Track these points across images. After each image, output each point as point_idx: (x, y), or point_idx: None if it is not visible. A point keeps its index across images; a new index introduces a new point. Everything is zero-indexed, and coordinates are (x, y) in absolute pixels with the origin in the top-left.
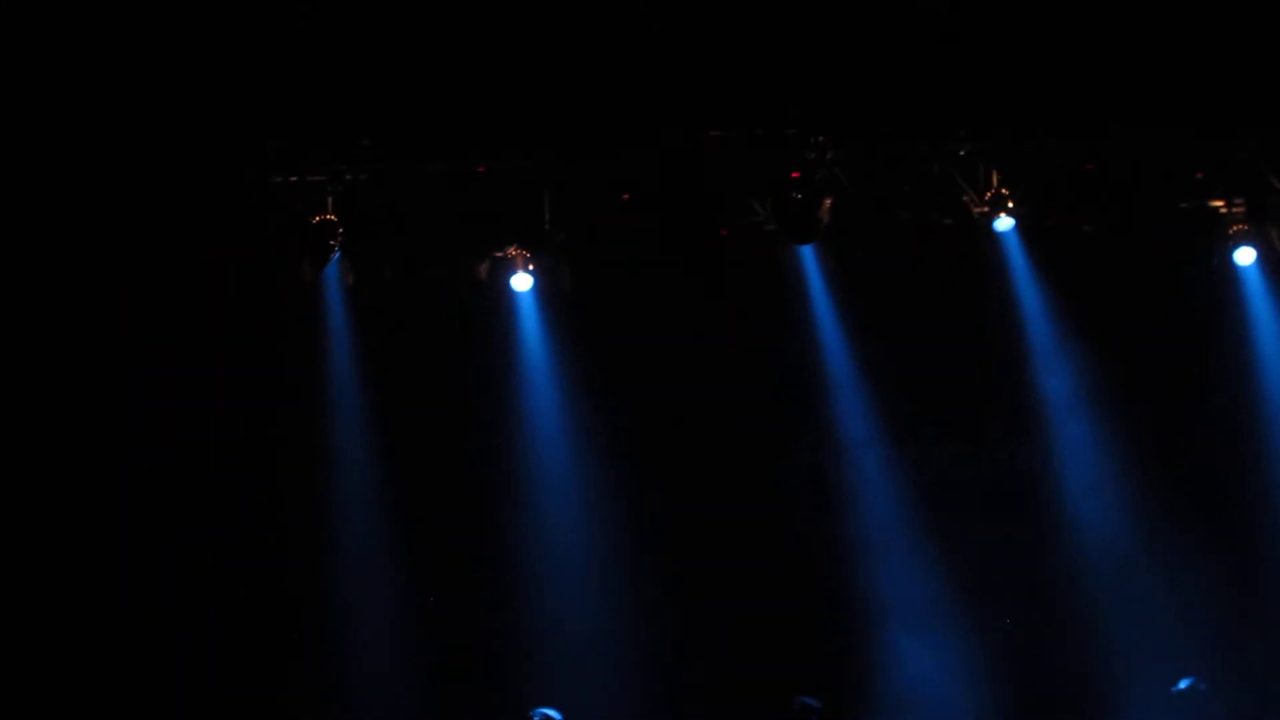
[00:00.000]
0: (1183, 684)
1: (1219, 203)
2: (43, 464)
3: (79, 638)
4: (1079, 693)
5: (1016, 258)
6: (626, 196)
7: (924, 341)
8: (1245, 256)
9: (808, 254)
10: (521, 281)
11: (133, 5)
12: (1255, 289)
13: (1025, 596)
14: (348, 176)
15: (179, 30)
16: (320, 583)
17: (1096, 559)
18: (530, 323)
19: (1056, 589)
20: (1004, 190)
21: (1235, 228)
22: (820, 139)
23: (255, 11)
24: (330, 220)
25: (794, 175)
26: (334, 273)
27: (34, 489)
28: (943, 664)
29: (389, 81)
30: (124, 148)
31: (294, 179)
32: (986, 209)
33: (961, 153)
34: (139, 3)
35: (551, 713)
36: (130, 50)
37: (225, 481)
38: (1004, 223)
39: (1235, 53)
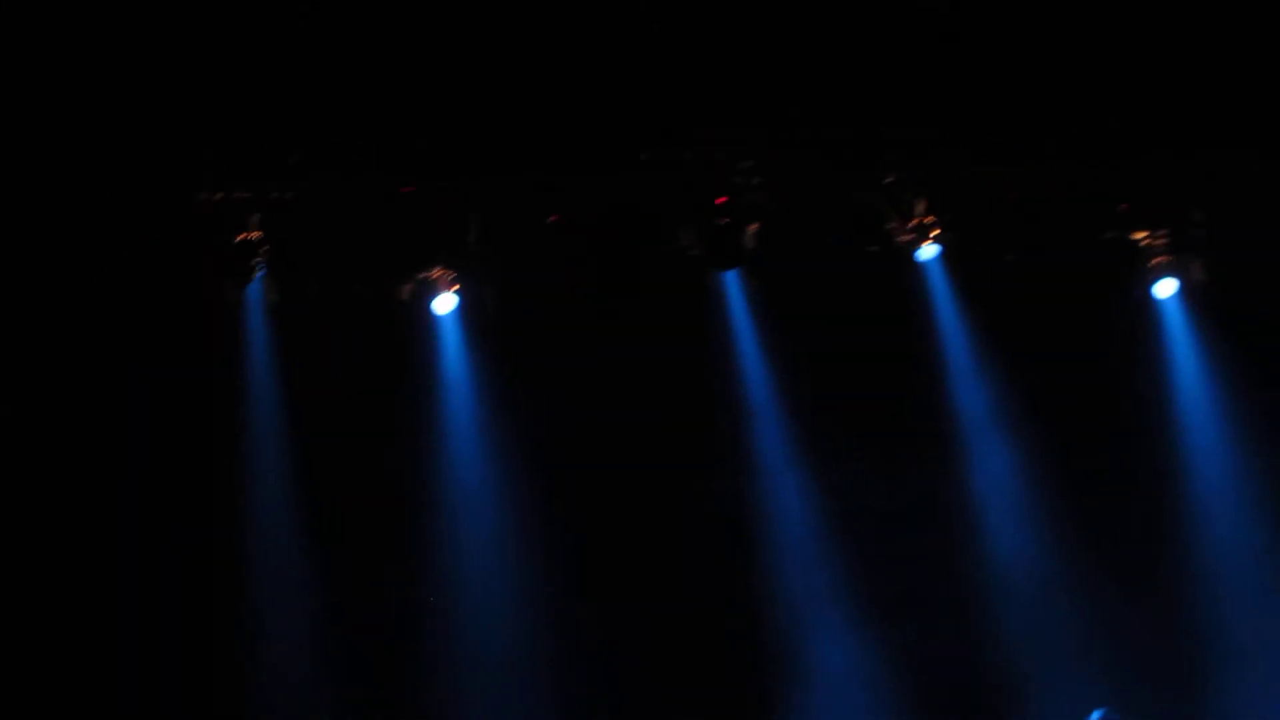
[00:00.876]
0: (1095, 716)
1: (1141, 234)
2: None
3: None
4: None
5: (940, 285)
6: (554, 218)
7: (846, 368)
8: (1166, 289)
9: (732, 279)
10: (445, 303)
11: (62, 15)
12: (1175, 321)
13: (940, 619)
14: (273, 194)
15: (106, 41)
16: (237, 596)
17: (1012, 583)
18: (452, 344)
19: (971, 612)
20: (928, 218)
21: (1157, 260)
22: (747, 164)
23: (185, 23)
24: (254, 238)
25: (720, 200)
26: (257, 290)
27: None
28: (857, 685)
29: (316, 97)
30: (48, 156)
31: (219, 195)
32: (911, 236)
33: (887, 180)
34: (68, 13)
35: None
36: (55, 59)
37: (146, 497)
38: (928, 250)
39: (1160, 84)
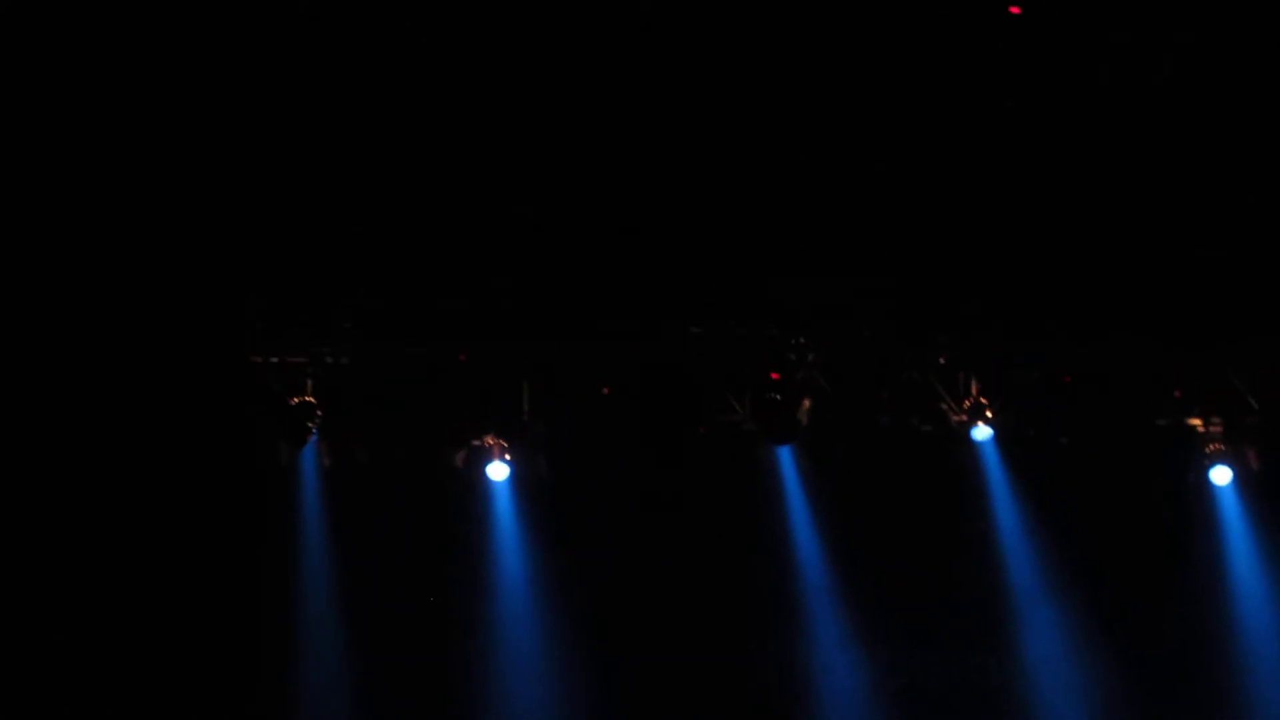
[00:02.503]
0: None
1: (1196, 421)
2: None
3: None
4: None
5: (993, 467)
6: (606, 390)
7: (899, 546)
8: (1221, 476)
9: (785, 455)
10: (498, 470)
11: (119, 181)
12: (1230, 508)
13: None
14: (328, 359)
15: (164, 207)
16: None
17: None
18: (505, 512)
19: None
20: (982, 399)
21: (1212, 446)
22: (801, 340)
23: (241, 192)
24: (309, 402)
25: (774, 375)
26: (311, 454)
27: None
28: None
29: (372, 265)
30: (111, 321)
31: (274, 359)
32: (965, 417)
33: (941, 360)
34: (126, 179)
35: None
36: (119, 226)
37: (201, 659)
38: (982, 431)
39: (1216, 272)
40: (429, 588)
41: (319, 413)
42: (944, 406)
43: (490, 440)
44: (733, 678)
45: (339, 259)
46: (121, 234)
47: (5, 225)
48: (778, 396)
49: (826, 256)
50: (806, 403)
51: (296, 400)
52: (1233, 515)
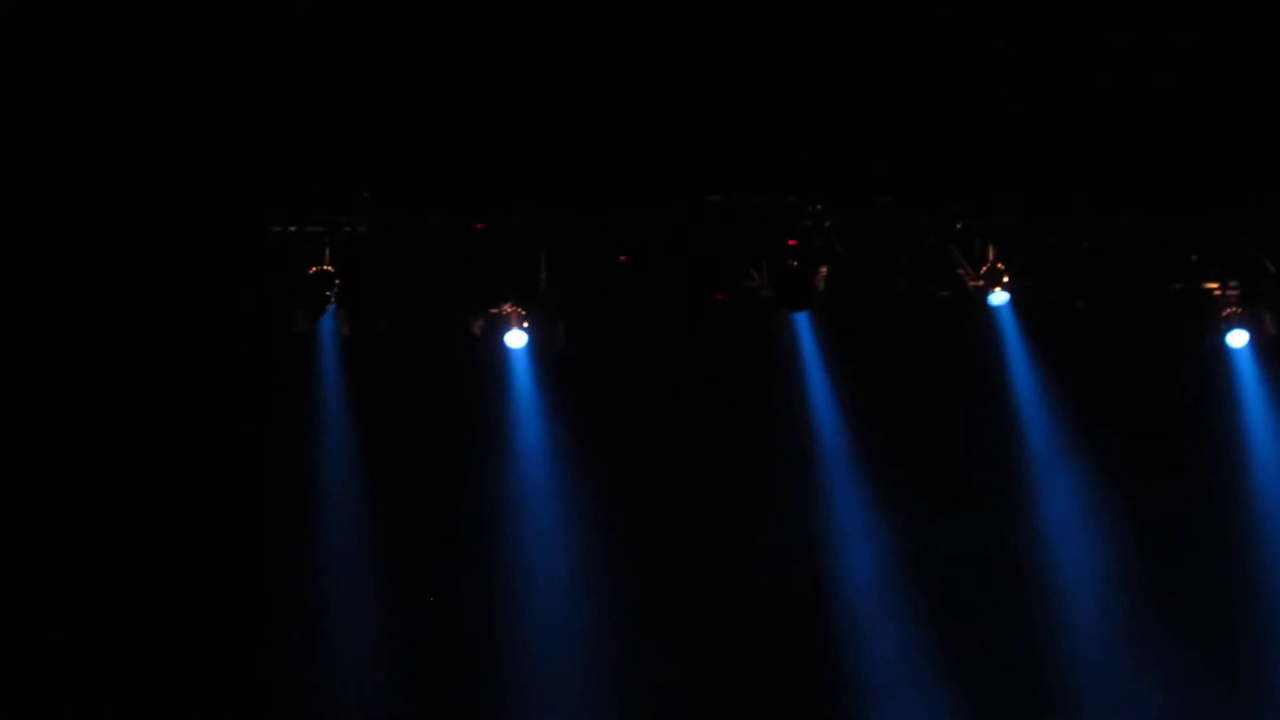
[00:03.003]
0: None
1: (1213, 285)
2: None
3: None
4: None
5: (1010, 332)
6: (624, 258)
7: (915, 412)
8: (1238, 339)
9: (802, 321)
10: (515, 338)
11: (134, 50)
12: (1247, 371)
13: (1006, 669)
14: (346, 228)
15: (181, 75)
16: (310, 614)
17: (1081, 637)
18: (523, 379)
19: (1040, 663)
20: (999, 265)
21: (1229, 310)
22: (818, 207)
23: (256, 61)
24: (327, 271)
25: (791, 242)
26: (329, 323)
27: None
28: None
29: (389, 134)
30: (126, 187)
31: (292, 229)
32: (982, 282)
33: (959, 226)
34: (140, 48)
35: None
36: (132, 93)
37: (219, 526)
38: (998, 297)
39: (1232, 138)
40: (448, 456)
41: (337, 282)
42: (961, 272)
43: (508, 308)
44: (750, 547)
45: (356, 128)
46: (141, 105)
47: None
48: (795, 263)
49: (844, 123)
50: (823, 269)
51: (314, 269)
52: (1249, 378)
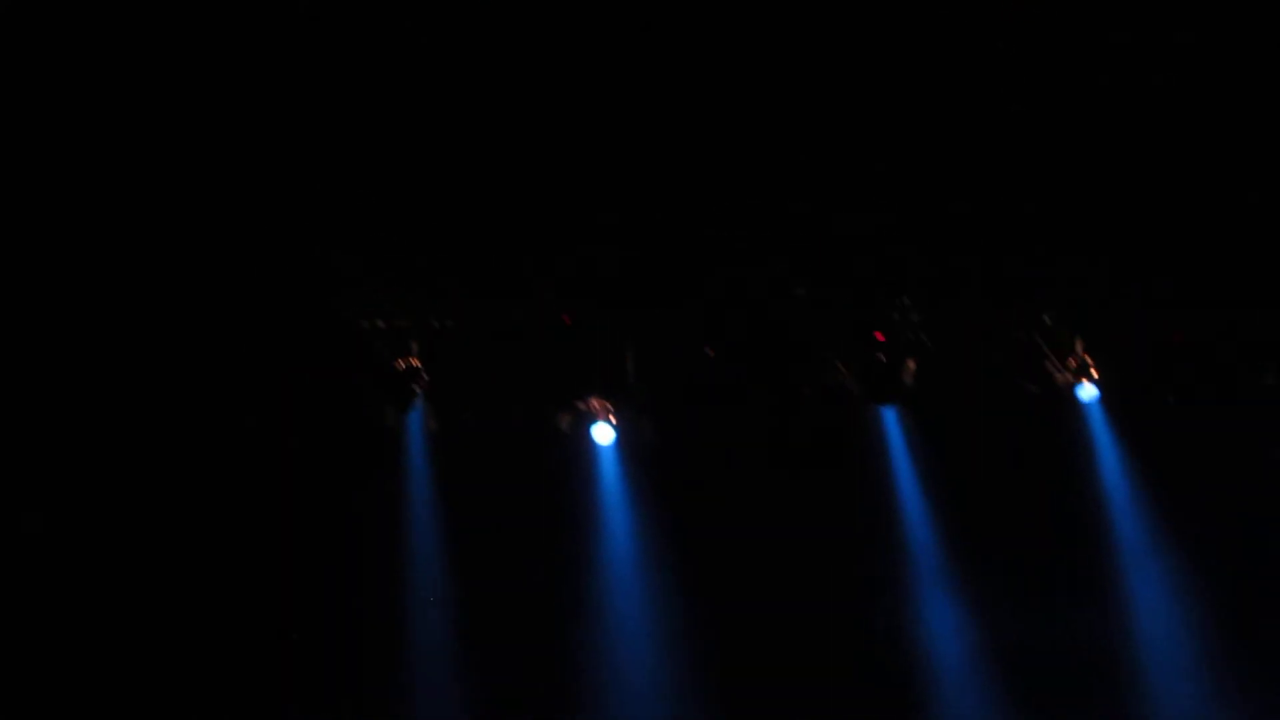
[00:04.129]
0: None
1: None
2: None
3: None
4: None
5: (1099, 426)
6: (711, 351)
7: (1005, 505)
8: None
9: (890, 416)
10: (603, 433)
11: (227, 151)
12: None
13: None
14: (433, 323)
15: (276, 172)
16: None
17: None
18: (611, 474)
19: None
20: (1088, 358)
21: None
22: (906, 300)
23: (347, 155)
24: (414, 366)
25: (879, 336)
26: (417, 418)
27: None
28: None
29: (477, 229)
30: (219, 285)
31: (380, 324)
32: (1070, 377)
33: (1046, 319)
34: (233, 148)
35: None
36: (226, 190)
37: (309, 622)
38: (1087, 391)
39: None
40: (535, 550)
41: (424, 376)
42: (1049, 366)
43: (595, 403)
44: (840, 640)
45: (442, 222)
46: (221, 199)
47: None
48: (882, 357)
49: (932, 215)
50: (911, 364)
51: (401, 364)
52: None
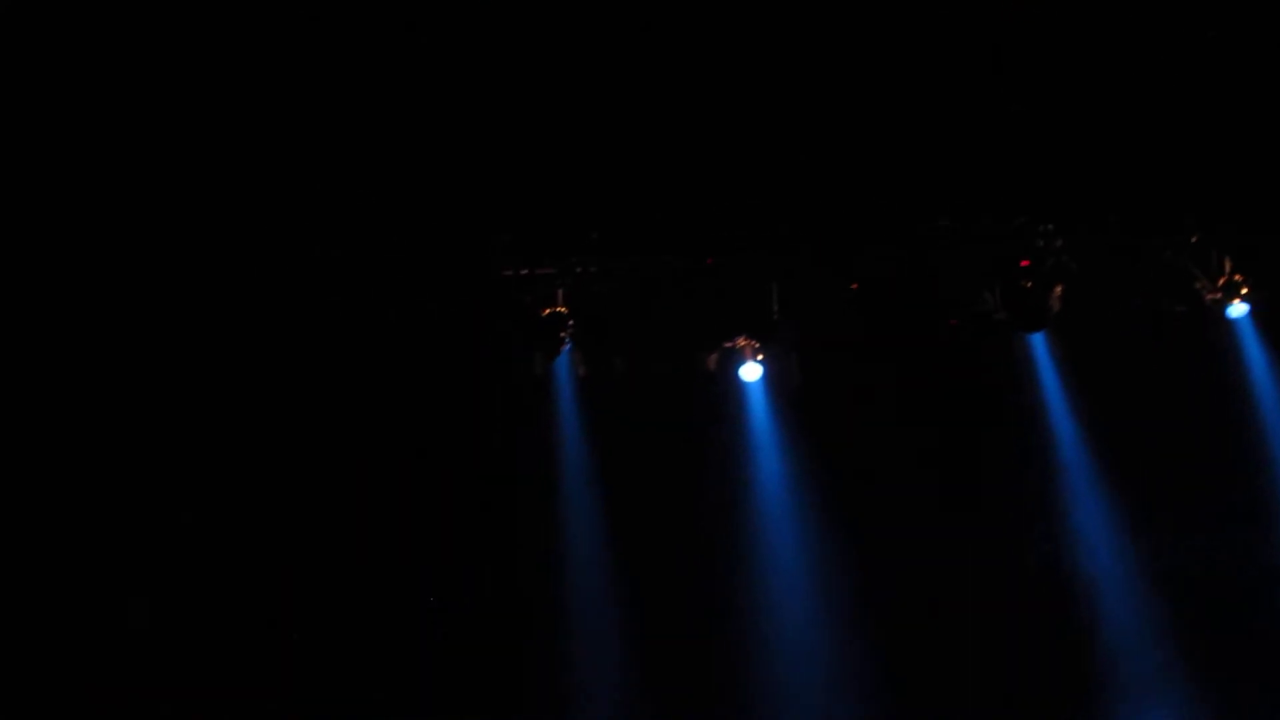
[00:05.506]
0: None
1: None
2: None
3: None
4: None
5: (1251, 344)
6: (855, 286)
7: (1157, 428)
8: None
9: (1038, 342)
10: (750, 372)
11: (363, 105)
12: None
13: (1261, 686)
14: (578, 269)
15: (414, 126)
16: (554, 665)
17: None
18: (760, 412)
19: None
20: (1237, 276)
21: None
22: (1049, 226)
23: (486, 108)
24: (561, 313)
25: (1024, 263)
26: (566, 364)
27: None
28: None
29: (618, 174)
30: (361, 243)
31: (524, 272)
32: (1219, 295)
33: (1193, 239)
34: (369, 103)
35: None
36: (364, 147)
37: (465, 570)
38: (1238, 309)
39: None
40: (686, 491)
41: (571, 323)
42: (1198, 285)
43: (742, 342)
44: (992, 573)
45: (586, 168)
46: (372, 155)
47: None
48: (1028, 284)
49: (1073, 140)
50: (1058, 289)
51: (548, 311)
52: None
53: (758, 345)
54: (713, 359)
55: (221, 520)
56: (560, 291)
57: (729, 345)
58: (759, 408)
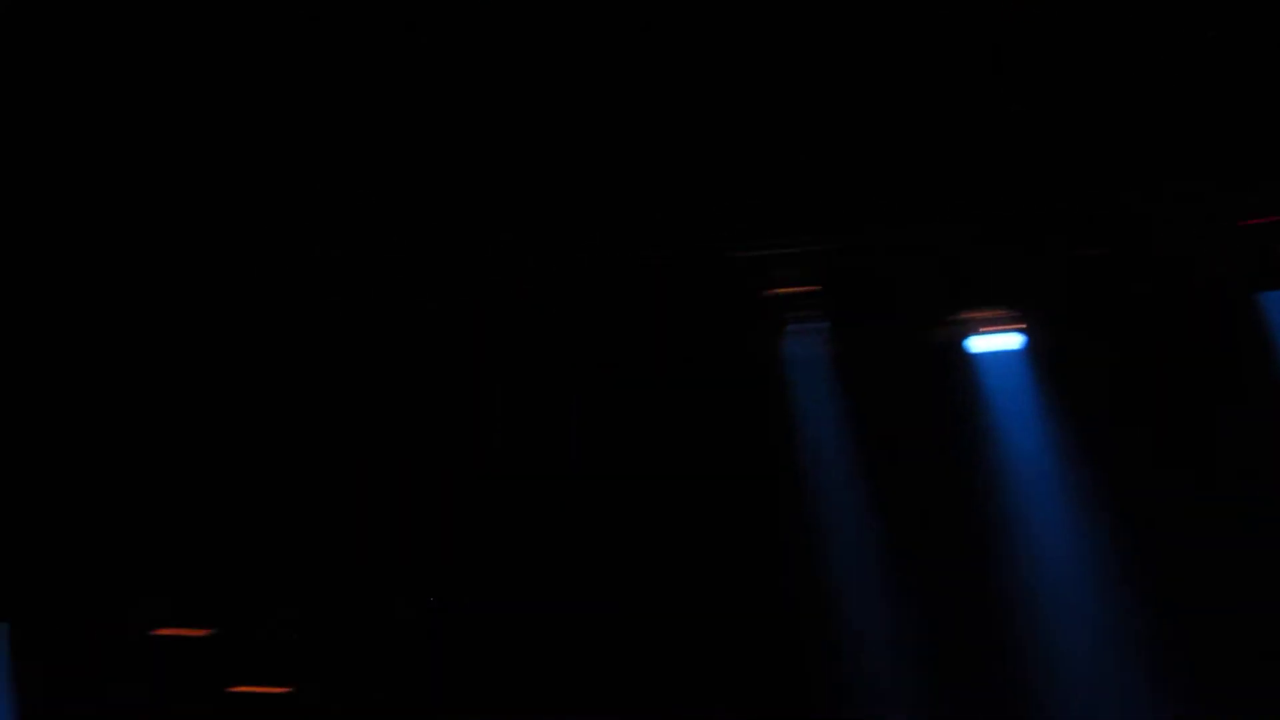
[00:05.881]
0: None
1: None
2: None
3: None
4: None
5: None
6: (1095, 253)
7: None
8: None
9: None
10: (1001, 344)
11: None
12: None
13: None
14: (815, 246)
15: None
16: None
17: None
18: (1012, 385)
19: None
20: None
21: None
22: None
23: (721, 90)
24: (800, 291)
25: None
26: (805, 342)
27: None
28: None
29: (856, 147)
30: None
31: (756, 251)
32: None
33: None
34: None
35: None
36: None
37: (718, 542)
38: None
39: None
40: (941, 470)
41: (816, 296)
42: None
43: (990, 313)
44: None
45: (826, 143)
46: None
47: None
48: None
49: None
50: None
51: (786, 289)
52: None
53: (1007, 316)
54: (960, 331)
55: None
56: (800, 269)
57: (975, 315)
58: (1012, 380)
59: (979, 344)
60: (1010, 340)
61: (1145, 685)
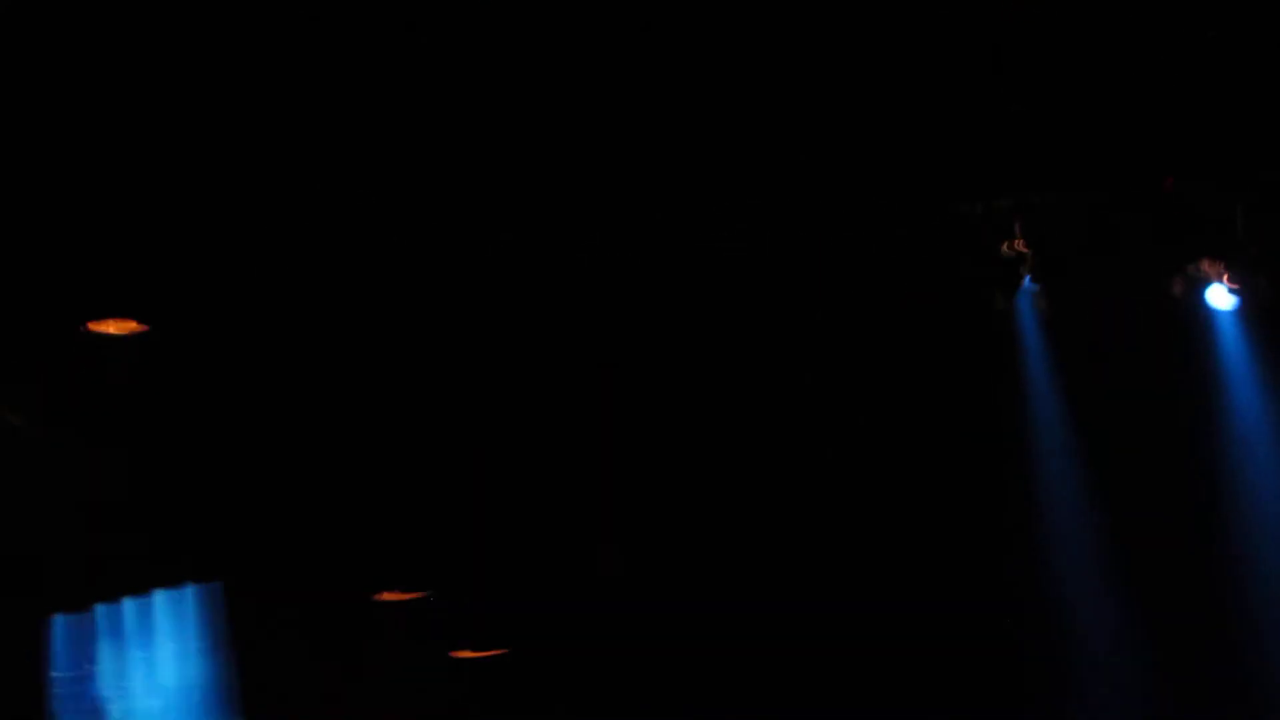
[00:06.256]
0: None
1: None
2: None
3: None
4: None
5: None
6: None
7: None
8: None
9: None
10: (1220, 296)
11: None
12: None
13: None
14: (1035, 202)
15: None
16: (1036, 588)
17: None
18: (1230, 337)
19: None
20: None
21: None
22: None
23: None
24: (1020, 247)
25: None
26: (1027, 300)
27: None
28: None
29: (1079, 112)
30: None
31: (979, 207)
32: None
33: None
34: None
35: None
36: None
37: (937, 504)
38: None
39: None
40: (1159, 424)
41: (1030, 256)
42: None
43: (1207, 265)
44: None
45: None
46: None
47: None
48: None
49: None
50: None
51: (1006, 246)
52: None
53: (1224, 268)
54: (1179, 284)
55: None
56: (1018, 225)
57: (1194, 270)
58: (1230, 332)
59: (1217, 297)
60: (1227, 295)
61: None
